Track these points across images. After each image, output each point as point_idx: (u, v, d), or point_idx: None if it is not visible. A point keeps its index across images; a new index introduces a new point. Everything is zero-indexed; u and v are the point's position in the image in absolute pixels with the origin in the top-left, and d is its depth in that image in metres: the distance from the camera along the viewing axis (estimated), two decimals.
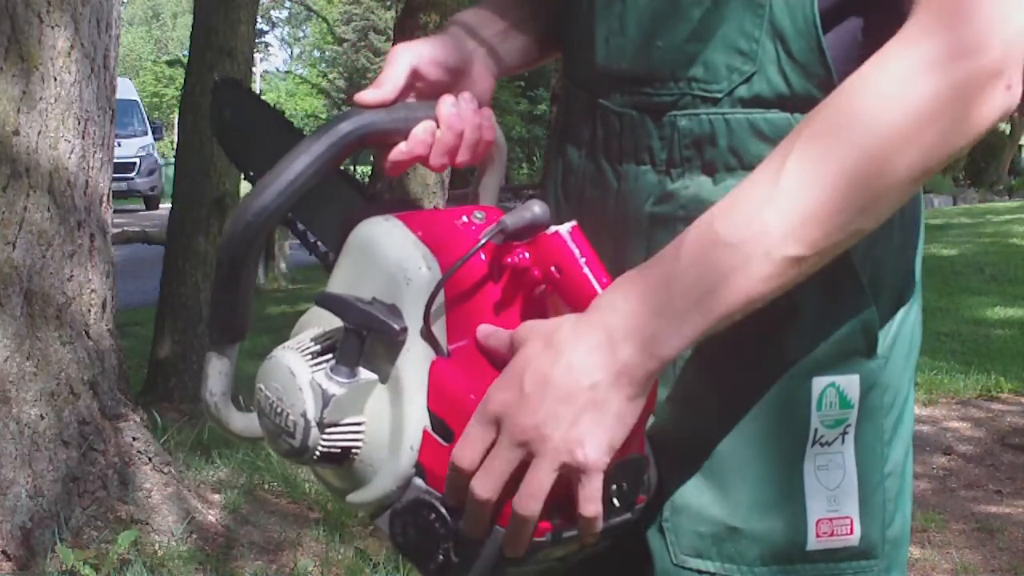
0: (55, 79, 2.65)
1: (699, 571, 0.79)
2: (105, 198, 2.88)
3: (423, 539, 0.75)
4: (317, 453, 0.77)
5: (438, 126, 0.84)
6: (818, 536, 0.78)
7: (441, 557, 0.74)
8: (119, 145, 6.32)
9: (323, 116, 31.93)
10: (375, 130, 0.84)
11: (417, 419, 0.75)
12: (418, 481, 0.75)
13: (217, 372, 0.86)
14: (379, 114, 0.84)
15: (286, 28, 57.12)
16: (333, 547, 2.91)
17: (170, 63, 24.79)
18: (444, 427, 0.74)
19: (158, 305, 4.76)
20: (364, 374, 0.78)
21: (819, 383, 0.77)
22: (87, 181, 2.77)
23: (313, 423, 0.77)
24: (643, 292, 0.67)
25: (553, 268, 0.74)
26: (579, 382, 0.67)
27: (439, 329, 0.76)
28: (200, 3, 4.87)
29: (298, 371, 0.78)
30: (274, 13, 48.72)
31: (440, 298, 0.76)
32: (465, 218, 0.79)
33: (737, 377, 0.77)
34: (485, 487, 0.69)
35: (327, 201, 0.92)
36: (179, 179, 4.84)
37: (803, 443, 0.77)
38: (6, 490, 2.54)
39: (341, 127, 0.82)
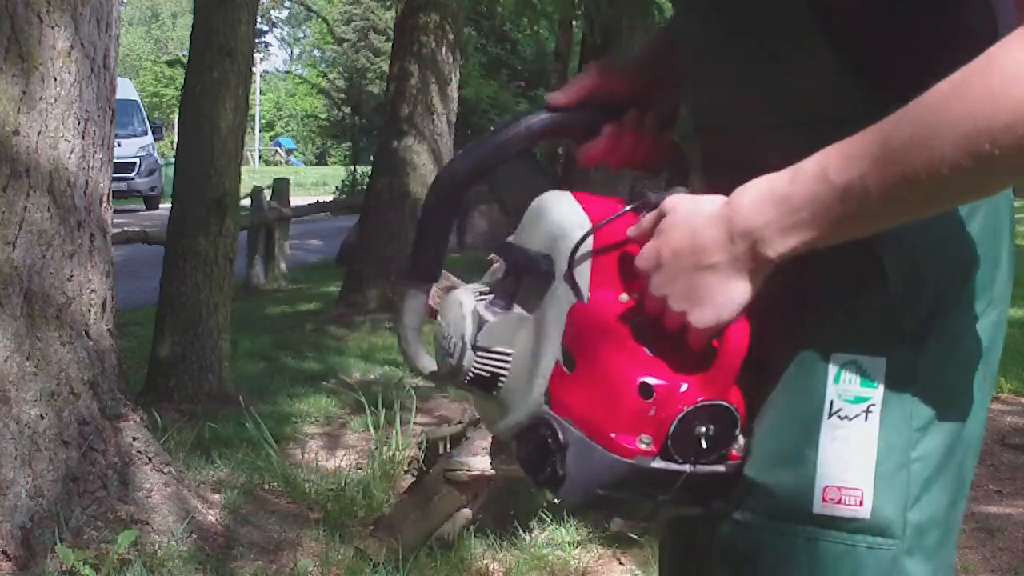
0: (55, 79, 2.65)
1: (736, 520, 0.87)
2: (105, 198, 2.88)
3: (538, 454, 0.87)
4: (469, 375, 0.94)
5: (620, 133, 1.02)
6: (824, 501, 0.83)
7: (550, 470, 0.86)
8: (119, 145, 6.32)
9: (323, 116, 31.94)
10: (555, 126, 1.03)
11: (552, 352, 0.88)
12: (544, 406, 0.87)
13: (411, 308, 1.08)
14: (559, 114, 1.03)
15: (286, 28, 57.13)
16: (333, 547, 2.91)
17: (170, 63, 24.80)
18: (571, 358, 0.86)
19: (158, 305, 4.76)
20: (517, 310, 0.93)
21: (838, 359, 0.84)
22: (87, 181, 2.76)
23: (468, 344, 0.94)
24: (759, 199, 0.79)
25: None
26: (701, 261, 0.81)
27: (582, 279, 0.88)
28: (200, 3, 4.87)
29: (464, 301, 0.97)
30: (274, 13, 48.70)
31: (587, 253, 0.88)
32: (628, 207, 0.91)
33: (769, 346, 0.85)
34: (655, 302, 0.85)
35: (519, 177, 1.06)
36: (179, 179, 4.83)
37: (819, 412, 0.84)
38: (6, 490, 2.54)
39: (528, 120, 1.01)
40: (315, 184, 29.28)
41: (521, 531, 3.08)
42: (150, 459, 2.86)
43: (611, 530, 3.18)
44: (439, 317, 1.00)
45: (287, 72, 50.77)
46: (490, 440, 2.88)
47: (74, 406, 2.69)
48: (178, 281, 4.64)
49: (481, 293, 0.98)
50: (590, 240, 0.88)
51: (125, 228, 7.62)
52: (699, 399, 0.83)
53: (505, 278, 0.95)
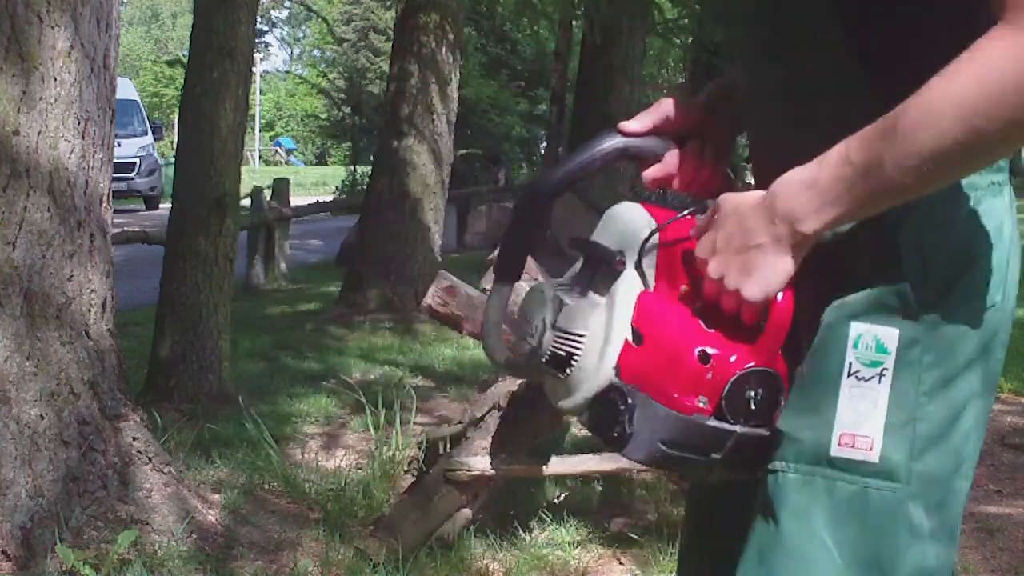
0: (55, 79, 2.65)
1: (769, 468, 1.02)
2: (105, 198, 2.87)
3: (608, 416, 1.03)
4: (548, 353, 1.09)
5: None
6: (840, 445, 0.98)
7: (619, 429, 1.02)
8: (119, 145, 6.32)
9: (323, 116, 31.93)
10: (629, 151, 1.18)
11: (622, 331, 1.04)
12: (615, 378, 1.04)
13: (495, 304, 1.21)
14: (632, 140, 1.18)
15: (286, 28, 57.12)
16: (333, 547, 2.91)
17: (170, 63, 24.77)
18: (639, 335, 1.03)
19: (158, 305, 4.76)
20: (592, 296, 1.09)
21: (856, 327, 0.98)
22: (87, 181, 2.76)
23: (548, 325, 1.10)
24: (793, 186, 0.95)
25: None
26: (749, 242, 0.97)
27: (649, 271, 1.06)
28: (200, 3, 4.86)
29: (546, 289, 1.13)
30: (274, 13, 48.70)
31: (653, 250, 1.06)
32: (687, 211, 1.08)
33: (802, 315, 1.01)
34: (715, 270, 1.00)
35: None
36: (179, 179, 4.83)
37: (839, 373, 0.98)
38: (6, 490, 2.54)
39: (604, 143, 1.16)
40: (315, 184, 29.29)
41: (521, 531, 3.08)
42: (150, 459, 2.86)
43: (611, 530, 3.18)
44: (521, 306, 1.15)
45: (287, 72, 50.76)
46: (490, 440, 2.88)
47: (74, 406, 2.69)
48: (178, 281, 4.64)
49: (559, 284, 1.14)
50: (656, 238, 1.06)
51: (125, 228, 7.61)
52: (749, 364, 0.99)
53: (581, 271, 1.12)
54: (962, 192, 0.99)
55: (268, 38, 53.64)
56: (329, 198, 18.24)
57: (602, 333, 1.05)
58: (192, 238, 4.62)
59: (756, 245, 0.97)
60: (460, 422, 3.27)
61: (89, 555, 2.54)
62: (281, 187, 10.49)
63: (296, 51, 59.89)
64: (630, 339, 1.03)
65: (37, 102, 2.62)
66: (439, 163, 7.56)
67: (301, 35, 57.90)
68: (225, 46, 4.67)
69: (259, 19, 8.65)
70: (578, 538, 3.10)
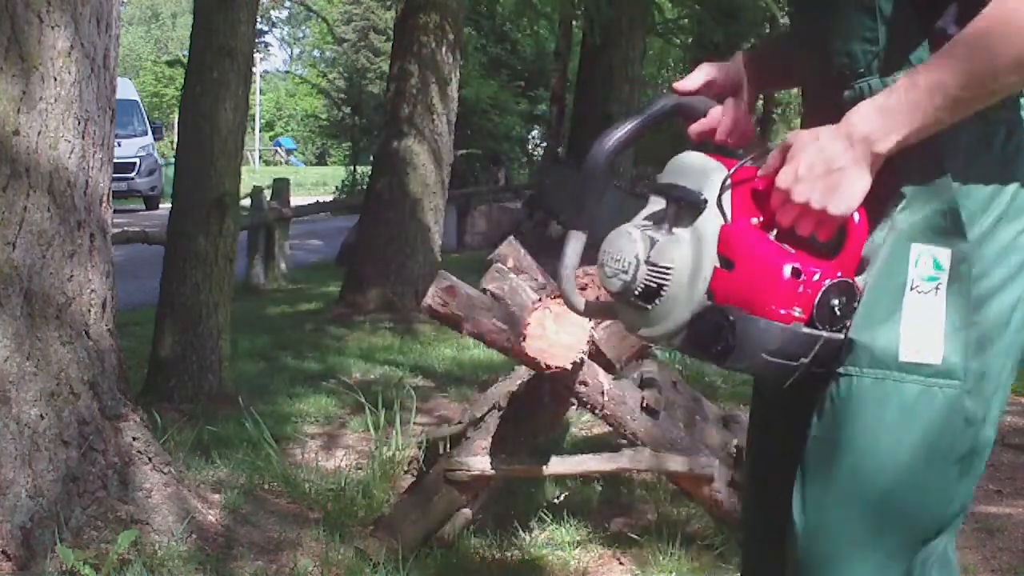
0: (55, 79, 2.65)
1: (839, 373, 1.18)
2: (105, 198, 2.87)
3: (710, 334, 1.18)
4: (640, 287, 1.23)
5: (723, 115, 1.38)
6: (907, 350, 1.15)
7: (723, 344, 1.17)
8: (119, 145, 6.32)
9: (323, 116, 31.91)
10: (681, 107, 1.39)
11: (711, 259, 1.20)
12: (708, 301, 1.20)
13: (572, 250, 1.34)
14: (684, 98, 1.39)
15: (286, 28, 57.10)
16: (333, 547, 2.91)
17: (170, 63, 24.69)
18: (728, 261, 1.19)
19: (158, 305, 4.75)
20: (677, 232, 1.23)
21: (916, 248, 1.16)
22: (87, 181, 2.76)
23: (642, 261, 1.23)
24: (867, 113, 1.14)
25: None
26: (832, 166, 1.14)
27: (726, 206, 1.21)
28: (200, 3, 4.86)
29: (633, 230, 1.26)
30: (274, 13, 48.70)
31: (727, 188, 1.22)
32: (747, 158, 1.25)
33: (871, 240, 1.18)
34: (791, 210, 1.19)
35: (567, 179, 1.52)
36: (179, 179, 4.83)
37: (903, 287, 1.16)
38: (6, 490, 2.54)
39: (664, 101, 1.38)
40: (315, 184, 29.28)
41: (521, 531, 3.08)
42: (150, 459, 2.86)
43: (611, 530, 3.18)
44: (605, 248, 1.28)
45: (287, 72, 50.74)
46: (490, 440, 2.88)
47: (74, 406, 2.69)
48: (178, 281, 4.64)
49: (643, 225, 1.27)
50: (728, 179, 1.22)
51: (125, 228, 7.61)
52: (836, 275, 1.16)
53: (664, 210, 1.25)
54: (1001, 122, 1.17)
55: (268, 38, 53.67)
56: (329, 198, 18.23)
57: (690, 264, 1.21)
58: (192, 238, 4.62)
59: (839, 168, 1.14)
60: (460, 422, 3.27)
61: (89, 555, 2.53)
62: (281, 187, 10.49)
63: (296, 51, 59.90)
64: (719, 266, 1.19)
65: (37, 102, 2.62)
66: (439, 163, 7.56)
67: (301, 35, 57.90)
68: (225, 46, 4.67)
69: (259, 19, 8.65)
70: (578, 538, 3.10)
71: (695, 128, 1.38)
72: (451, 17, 7.54)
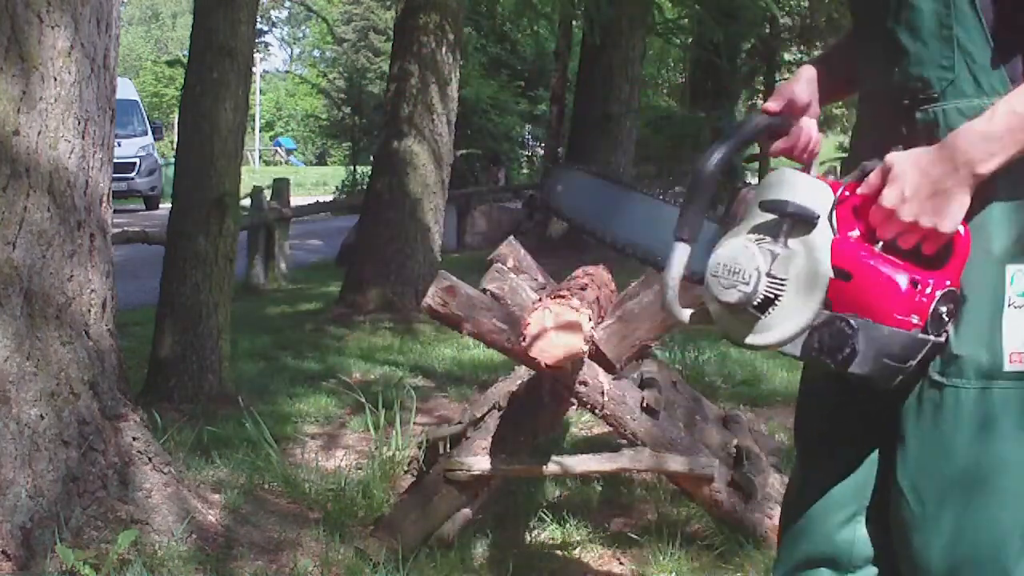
0: (55, 79, 2.65)
1: (947, 385, 1.29)
2: (105, 198, 2.87)
3: (835, 341, 1.27)
4: (759, 298, 1.31)
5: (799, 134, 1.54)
6: (1010, 362, 1.27)
7: (848, 350, 1.25)
8: (119, 145, 6.32)
9: (323, 116, 31.90)
10: (771, 127, 1.52)
11: (826, 272, 1.29)
12: (826, 311, 1.29)
13: (678, 260, 1.40)
14: (774, 118, 1.52)
15: (286, 28, 57.10)
16: (333, 547, 2.91)
17: (170, 63, 24.73)
18: (844, 272, 1.29)
19: (158, 305, 4.76)
20: (792, 244, 1.32)
21: (1011, 269, 1.27)
22: (87, 181, 2.76)
23: (763, 273, 1.31)
24: (971, 137, 1.23)
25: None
26: (938, 188, 1.25)
27: (833, 222, 1.32)
28: (200, 3, 4.86)
29: (750, 244, 1.33)
30: (274, 13, 48.71)
31: (834, 205, 1.32)
32: (850, 177, 1.35)
33: (969, 264, 1.28)
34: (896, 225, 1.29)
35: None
36: (179, 179, 4.83)
37: (1001, 304, 1.27)
38: (6, 490, 2.54)
39: (758, 120, 1.50)
40: (315, 184, 29.28)
41: (521, 531, 3.08)
42: (150, 459, 2.86)
43: (611, 530, 3.18)
44: (717, 262, 1.35)
45: (287, 72, 50.75)
46: (490, 440, 2.88)
47: (74, 406, 2.69)
48: (178, 281, 4.64)
49: (757, 239, 1.35)
50: (838, 197, 1.32)
51: (125, 228, 7.61)
52: (946, 284, 1.26)
53: (776, 225, 1.33)
54: None
55: (268, 38, 53.66)
56: (329, 198, 18.23)
57: (805, 276, 1.30)
58: (192, 238, 4.62)
59: (944, 190, 1.24)
60: (460, 422, 3.27)
61: (89, 555, 2.53)
62: (281, 187, 10.49)
63: (296, 51, 59.88)
64: (834, 277, 1.29)
65: (37, 102, 2.62)
66: (439, 163, 7.56)
67: (301, 35, 57.90)
68: (225, 46, 4.67)
69: (259, 19, 8.64)
70: (578, 538, 3.10)
71: (779, 146, 1.54)
72: (451, 17, 7.54)
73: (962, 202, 1.24)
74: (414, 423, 3.66)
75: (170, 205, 4.84)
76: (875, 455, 1.44)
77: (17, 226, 2.59)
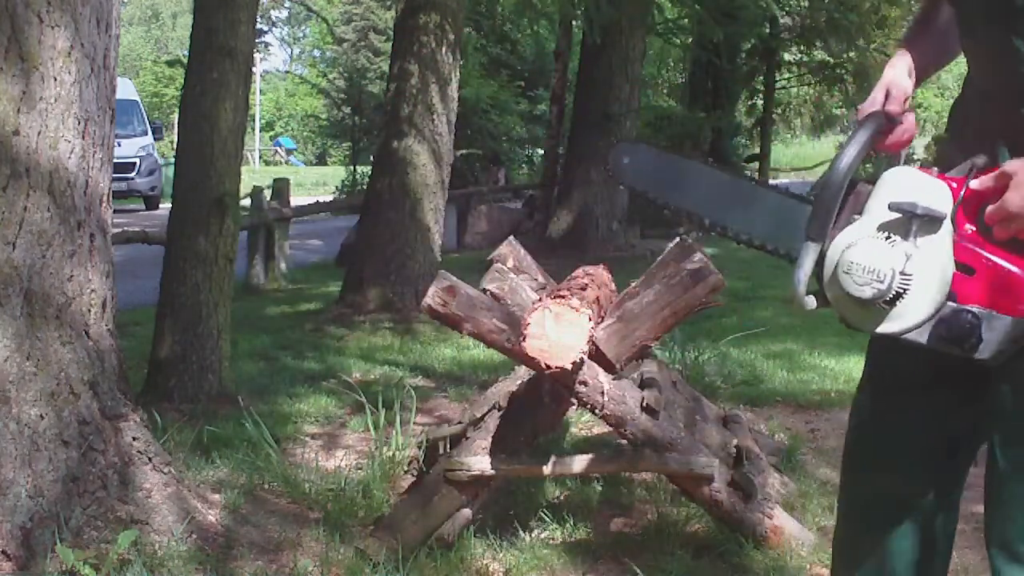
0: (55, 79, 2.65)
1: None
2: (105, 198, 2.87)
3: (962, 331, 1.41)
4: (892, 293, 1.41)
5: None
6: None
7: (974, 339, 1.40)
8: (119, 145, 6.32)
9: (323, 116, 31.90)
10: (889, 123, 1.61)
11: (950, 267, 1.42)
12: (951, 303, 1.42)
13: (809, 258, 1.49)
14: (889, 115, 1.61)
15: (286, 28, 57.09)
16: (333, 547, 2.91)
17: (170, 63, 24.74)
18: (968, 268, 1.42)
19: (158, 305, 4.76)
20: (920, 242, 1.42)
21: None
22: (87, 181, 2.76)
23: (897, 272, 1.41)
24: None
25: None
26: None
27: (954, 220, 1.43)
28: (200, 3, 4.86)
29: (882, 244, 1.43)
30: (274, 13, 48.72)
31: (957, 205, 1.43)
32: (969, 180, 1.46)
33: None
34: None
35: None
36: (179, 179, 4.83)
37: None
38: (6, 490, 2.54)
39: (877, 120, 1.57)
40: (315, 184, 29.25)
41: (521, 531, 3.08)
42: (150, 459, 2.86)
43: (611, 530, 3.18)
44: (849, 259, 1.44)
45: (287, 72, 50.73)
46: (490, 440, 2.88)
47: (74, 406, 2.69)
48: (178, 281, 4.64)
49: (887, 238, 1.44)
50: (960, 197, 1.43)
51: (125, 228, 7.61)
52: None
53: (906, 224, 1.43)
54: None
55: (268, 38, 53.65)
56: (329, 198, 18.21)
57: (929, 271, 1.42)
58: (192, 238, 4.62)
59: None
60: (460, 422, 3.27)
61: (89, 555, 2.54)
62: (281, 187, 10.49)
63: (296, 51, 59.87)
64: (958, 271, 1.41)
65: (37, 102, 2.62)
66: (439, 163, 7.55)
67: (301, 35, 57.89)
68: (225, 46, 4.67)
69: (259, 19, 8.64)
70: (578, 538, 3.10)
71: (890, 140, 1.63)
72: (451, 17, 7.54)
73: None
74: (414, 423, 3.66)
75: (170, 205, 4.84)
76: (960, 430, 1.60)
77: (17, 226, 2.59)
